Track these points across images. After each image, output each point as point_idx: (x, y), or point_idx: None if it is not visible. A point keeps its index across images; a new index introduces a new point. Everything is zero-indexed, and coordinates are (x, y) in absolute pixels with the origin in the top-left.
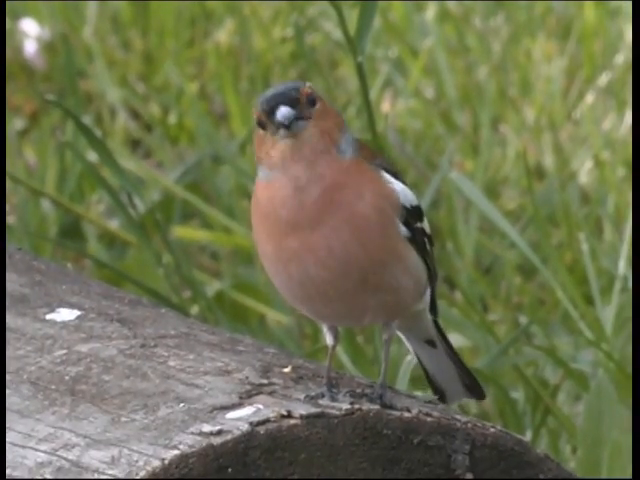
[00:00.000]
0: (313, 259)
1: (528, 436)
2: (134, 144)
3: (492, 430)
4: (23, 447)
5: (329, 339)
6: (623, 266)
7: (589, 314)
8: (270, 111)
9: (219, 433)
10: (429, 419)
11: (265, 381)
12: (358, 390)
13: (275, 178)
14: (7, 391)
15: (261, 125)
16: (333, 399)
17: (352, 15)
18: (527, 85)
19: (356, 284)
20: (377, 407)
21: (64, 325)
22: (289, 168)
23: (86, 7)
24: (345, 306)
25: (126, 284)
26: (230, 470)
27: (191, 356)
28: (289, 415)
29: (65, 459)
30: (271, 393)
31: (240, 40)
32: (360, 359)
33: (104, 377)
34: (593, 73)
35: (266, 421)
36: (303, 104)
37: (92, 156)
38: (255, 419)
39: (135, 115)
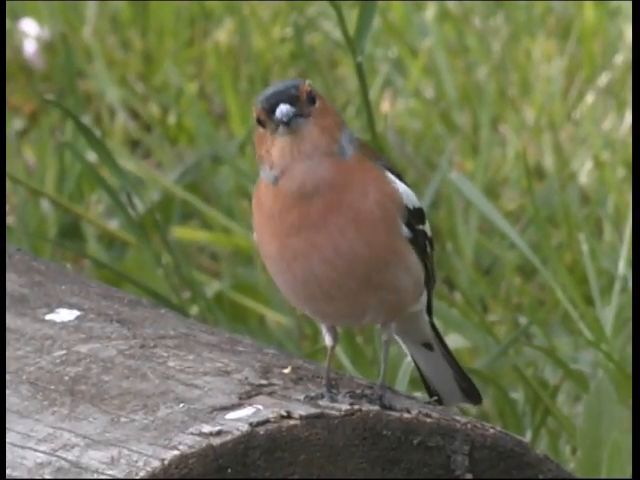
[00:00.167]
0: (318, 258)
1: (528, 437)
2: (133, 144)
3: (492, 431)
4: (22, 447)
5: (328, 340)
6: (623, 266)
7: (589, 315)
8: (270, 109)
9: (219, 434)
10: (429, 420)
11: (265, 382)
12: (358, 391)
13: (277, 178)
14: (7, 391)
15: (261, 123)
16: (333, 400)
17: (352, 15)
18: (527, 85)
19: (359, 283)
20: (377, 408)
21: (63, 325)
22: (289, 167)
23: (86, 7)
24: (347, 305)
25: (125, 284)
26: (230, 470)
27: (191, 356)
28: (289, 416)
29: (64, 459)
30: (271, 394)
31: (239, 40)
32: (360, 360)
33: (103, 377)
34: (593, 73)
35: (266, 422)
36: (303, 102)
37: (91, 156)
38: (255, 420)
39: (134, 115)
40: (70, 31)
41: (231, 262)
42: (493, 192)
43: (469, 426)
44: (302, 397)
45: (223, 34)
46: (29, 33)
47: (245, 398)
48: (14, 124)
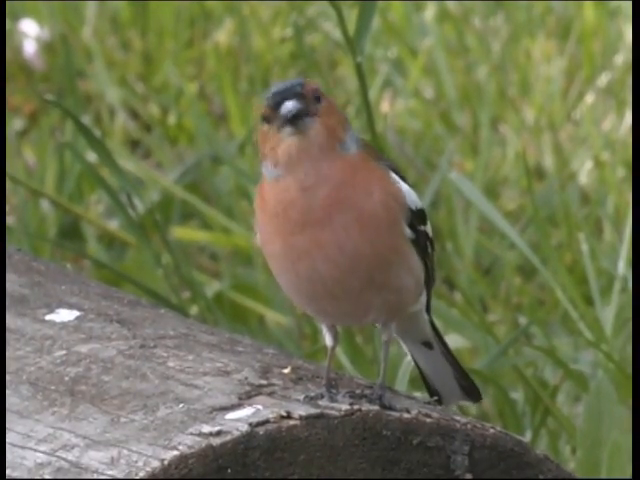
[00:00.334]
0: (322, 256)
1: (528, 437)
2: (133, 144)
3: (491, 431)
4: (22, 448)
5: (328, 340)
6: (623, 266)
7: (589, 315)
8: (276, 106)
9: (218, 434)
10: (428, 420)
11: (264, 382)
12: (357, 391)
13: (280, 176)
14: (7, 392)
15: (266, 120)
16: (332, 400)
17: (351, 15)
18: (527, 85)
19: (363, 282)
20: (376, 408)
21: (63, 326)
22: (294, 167)
23: (85, 7)
24: (350, 305)
25: (125, 285)
26: (229, 471)
27: (190, 357)
28: (288, 416)
29: (64, 460)
30: (270, 394)
31: (239, 40)
32: (359, 360)
33: (103, 378)
34: (593, 73)
35: (265, 422)
36: (309, 99)
37: (91, 156)
38: (254, 420)
39: (134, 115)
40: (70, 31)
41: (231, 262)
42: (493, 192)
43: (469, 426)
44: (302, 397)
45: (223, 34)
46: (29, 33)
47: (245, 398)
48: (14, 124)
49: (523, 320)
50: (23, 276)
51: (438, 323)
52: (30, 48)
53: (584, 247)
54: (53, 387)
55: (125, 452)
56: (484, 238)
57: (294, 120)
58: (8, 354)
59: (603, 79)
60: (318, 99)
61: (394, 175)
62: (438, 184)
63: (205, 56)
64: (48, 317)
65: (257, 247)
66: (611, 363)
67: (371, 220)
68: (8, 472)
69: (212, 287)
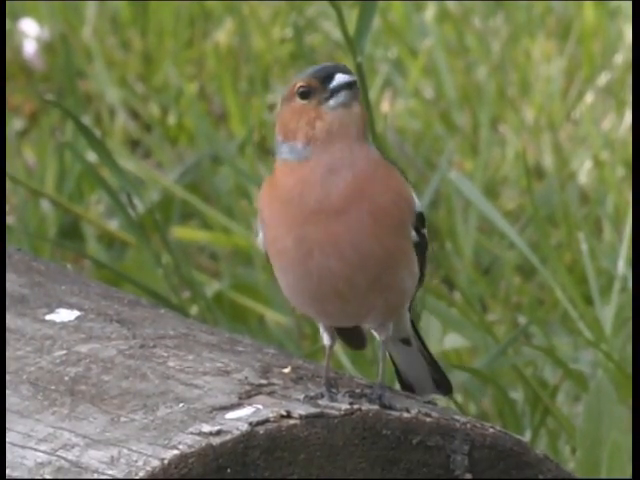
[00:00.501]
0: (334, 250)
1: (527, 436)
2: (133, 144)
3: (491, 430)
4: (23, 447)
5: (326, 339)
6: (622, 266)
7: (588, 314)
8: (326, 79)
9: (218, 433)
10: (428, 419)
11: (264, 381)
12: (357, 390)
13: (308, 157)
14: (7, 391)
15: (304, 96)
16: (332, 399)
17: (352, 15)
18: (526, 85)
19: (369, 281)
20: (376, 407)
21: (63, 326)
22: (330, 143)
23: (85, 7)
24: (353, 305)
25: (125, 284)
26: (229, 470)
27: (190, 356)
28: (288, 415)
29: (65, 459)
30: (270, 393)
31: (239, 40)
32: (359, 359)
33: (103, 377)
34: (592, 73)
35: (265, 421)
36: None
37: (91, 156)
38: (254, 419)
39: (134, 115)
40: (70, 31)
41: (231, 262)
42: (492, 192)
43: (468, 426)
44: (302, 397)
45: (223, 34)
46: (29, 33)
47: (245, 398)
48: (14, 124)
49: (522, 320)
50: (23, 276)
51: (438, 323)
52: (30, 48)
53: (584, 247)
54: (53, 387)
55: (125, 451)
56: (483, 238)
57: (351, 87)
58: (8, 354)
59: (603, 79)
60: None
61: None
62: (438, 184)
63: (205, 56)
64: (48, 317)
65: (258, 247)
66: (611, 363)
67: (383, 215)
68: (8, 472)
69: (212, 287)
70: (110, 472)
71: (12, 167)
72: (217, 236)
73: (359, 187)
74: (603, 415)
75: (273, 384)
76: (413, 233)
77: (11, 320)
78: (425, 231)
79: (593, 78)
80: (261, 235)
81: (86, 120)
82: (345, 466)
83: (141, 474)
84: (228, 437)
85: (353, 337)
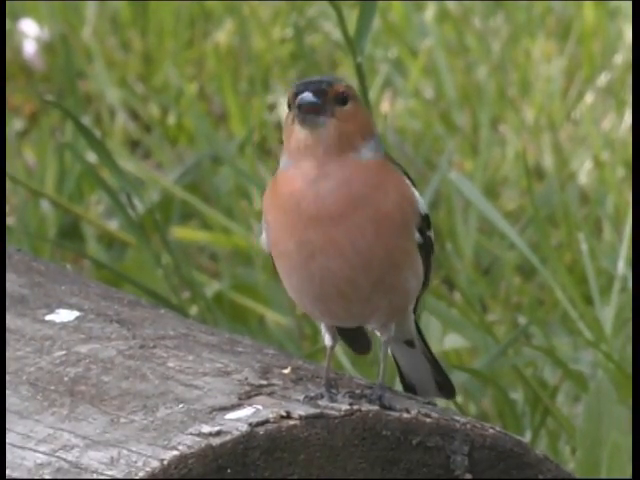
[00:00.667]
0: (337, 254)
1: (527, 437)
2: (133, 145)
3: (491, 431)
4: (22, 448)
5: (327, 340)
6: (622, 266)
7: (588, 314)
8: (295, 94)
9: (218, 434)
10: (428, 420)
11: (264, 382)
12: (357, 391)
13: (290, 167)
14: (6, 392)
15: (289, 108)
16: (332, 400)
17: (352, 15)
18: (526, 85)
19: (373, 283)
20: (376, 408)
21: (63, 326)
22: (300, 161)
23: (85, 7)
24: (358, 306)
25: (125, 285)
26: (229, 471)
27: (190, 357)
28: (288, 416)
29: (64, 460)
30: (270, 394)
31: (239, 40)
32: (359, 360)
33: (103, 378)
34: (592, 73)
35: (265, 422)
36: (330, 99)
37: (91, 157)
38: (254, 420)
39: (134, 116)
40: (70, 31)
41: (231, 262)
42: (493, 192)
43: (468, 426)
44: (302, 397)
45: (223, 35)
46: (29, 33)
47: (245, 398)
48: (14, 124)
49: (523, 320)
50: (23, 276)
51: (438, 323)
52: (30, 48)
53: (584, 247)
54: (53, 387)
55: (125, 452)
56: (484, 238)
57: (304, 113)
58: (8, 354)
59: (603, 79)
60: (344, 102)
61: (408, 180)
62: (438, 184)
63: (205, 56)
64: (48, 317)
65: (262, 247)
66: (611, 363)
67: (386, 220)
68: (8, 472)
69: (212, 287)
70: (110, 473)
71: (12, 167)
72: (217, 236)
73: (352, 195)
74: (603, 415)
75: (273, 385)
76: (417, 235)
77: (11, 320)
78: (430, 233)
79: (593, 78)
80: (264, 235)
81: (86, 120)
82: (345, 466)
83: (141, 475)
84: (228, 438)
85: (357, 341)
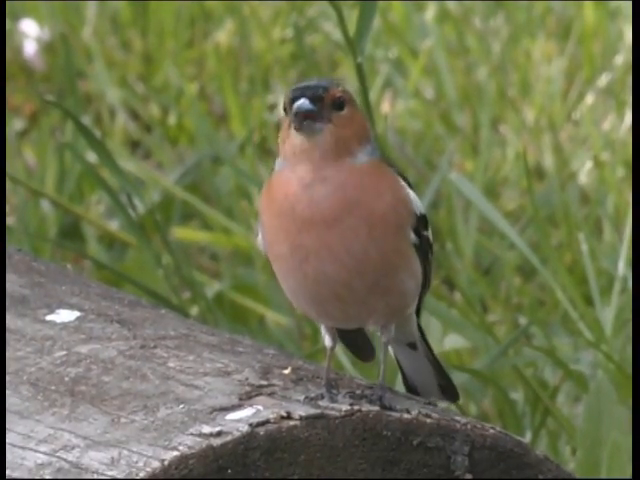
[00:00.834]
0: (330, 257)
1: (528, 437)
2: (134, 145)
3: (491, 431)
4: (23, 448)
5: (327, 340)
6: (623, 267)
7: (589, 315)
8: (292, 100)
9: (219, 434)
10: (429, 420)
11: (265, 382)
12: (358, 391)
13: (286, 169)
14: (7, 392)
15: (285, 112)
16: (333, 400)
17: (352, 15)
18: (527, 86)
19: (369, 285)
20: (377, 408)
21: (64, 326)
22: (296, 165)
23: (86, 7)
24: (355, 308)
25: (126, 285)
26: (230, 471)
27: (191, 357)
28: (289, 416)
29: (65, 460)
30: (271, 394)
31: (240, 41)
32: (359, 360)
33: (104, 378)
34: (593, 74)
35: (266, 422)
36: (326, 104)
37: (91, 157)
38: (255, 420)
39: (135, 116)
40: (70, 31)
41: (231, 262)
42: (493, 192)
43: (469, 426)
44: (302, 398)
45: (223, 35)
46: (29, 33)
47: (245, 399)
48: (14, 124)
49: (523, 320)
50: (23, 276)
51: (438, 323)
52: (30, 48)
53: (584, 247)
54: (53, 387)
55: (125, 452)
56: (484, 238)
57: (300, 120)
58: (8, 354)
59: (603, 79)
60: (340, 107)
61: (402, 181)
62: (438, 184)
63: (205, 56)
64: (48, 317)
65: (259, 248)
66: (611, 363)
67: (380, 223)
68: (8, 472)
69: (212, 287)
70: (110, 473)
71: (12, 167)
72: (217, 237)
73: (346, 198)
74: (603, 415)
75: (273, 385)
76: (413, 235)
77: (11, 321)
78: (427, 233)
79: (593, 79)
80: (260, 237)
81: (86, 120)
82: (345, 467)
83: (141, 475)
84: (228, 438)
85: (361, 348)
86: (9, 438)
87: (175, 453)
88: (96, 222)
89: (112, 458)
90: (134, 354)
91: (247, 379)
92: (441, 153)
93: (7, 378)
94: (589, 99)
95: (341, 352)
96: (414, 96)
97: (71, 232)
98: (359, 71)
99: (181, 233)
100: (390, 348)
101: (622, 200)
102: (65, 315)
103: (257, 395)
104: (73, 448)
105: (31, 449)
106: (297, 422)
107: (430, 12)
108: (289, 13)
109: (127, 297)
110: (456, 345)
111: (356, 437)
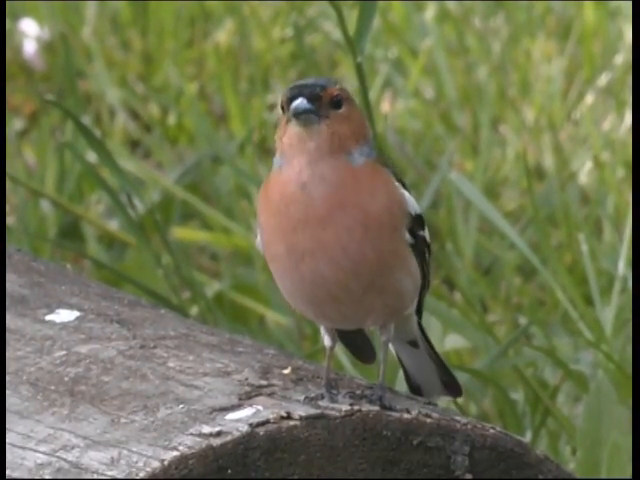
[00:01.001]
0: (326, 258)
1: (528, 437)
2: (133, 144)
3: (492, 431)
4: (23, 448)
5: (327, 340)
6: (623, 267)
7: (589, 315)
8: (290, 99)
9: (219, 434)
10: (429, 420)
11: (264, 382)
12: (358, 391)
13: (283, 166)
14: (7, 392)
15: (282, 110)
16: (333, 400)
17: (352, 15)
18: (527, 85)
19: (365, 285)
20: (377, 408)
21: (63, 326)
22: (293, 158)
23: (85, 7)
24: (351, 308)
25: (125, 285)
26: (230, 471)
27: (190, 357)
28: (289, 416)
29: (65, 460)
30: (271, 394)
31: (240, 40)
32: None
33: (103, 378)
34: (593, 73)
35: (266, 422)
36: (324, 103)
37: (91, 156)
38: (255, 420)
39: (134, 115)
40: (70, 31)
41: (231, 262)
42: (493, 192)
43: (469, 426)
44: (302, 398)
45: (223, 35)
46: (29, 33)
47: (245, 399)
48: (14, 124)
49: (523, 320)
50: (23, 276)
51: (438, 323)
52: (30, 48)
53: (584, 247)
54: (53, 387)
55: (125, 452)
56: (484, 238)
57: (299, 116)
58: (8, 354)
59: (603, 79)
60: (338, 104)
61: (397, 182)
62: (438, 184)
63: (205, 56)
64: (48, 317)
65: (257, 248)
66: (611, 363)
67: (375, 223)
68: (8, 472)
69: (212, 287)
70: (110, 473)
71: (12, 167)
72: (217, 236)
73: (340, 199)
74: (603, 415)
75: (273, 385)
76: (408, 235)
77: (11, 320)
78: (423, 233)
79: (593, 78)
80: (259, 237)
81: (86, 120)
82: (346, 467)
83: (141, 475)
84: (228, 438)
85: (362, 349)
86: (9, 438)
87: (175, 453)
88: (96, 222)
89: (112, 458)
90: (134, 354)
91: (247, 379)
92: (441, 153)
93: (7, 378)
94: (589, 99)
95: (341, 352)
96: (414, 96)
97: (71, 232)
98: (359, 71)
99: (181, 233)
100: (391, 346)
101: (622, 200)
102: (65, 315)
103: (257, 395)
104: (73, 448)
105: (31, 449)
106: (297, 422)
107: (430, 12)
108: (289, 13)
109: (127, 297)
110: (456, 345)
111: (356, 437)
